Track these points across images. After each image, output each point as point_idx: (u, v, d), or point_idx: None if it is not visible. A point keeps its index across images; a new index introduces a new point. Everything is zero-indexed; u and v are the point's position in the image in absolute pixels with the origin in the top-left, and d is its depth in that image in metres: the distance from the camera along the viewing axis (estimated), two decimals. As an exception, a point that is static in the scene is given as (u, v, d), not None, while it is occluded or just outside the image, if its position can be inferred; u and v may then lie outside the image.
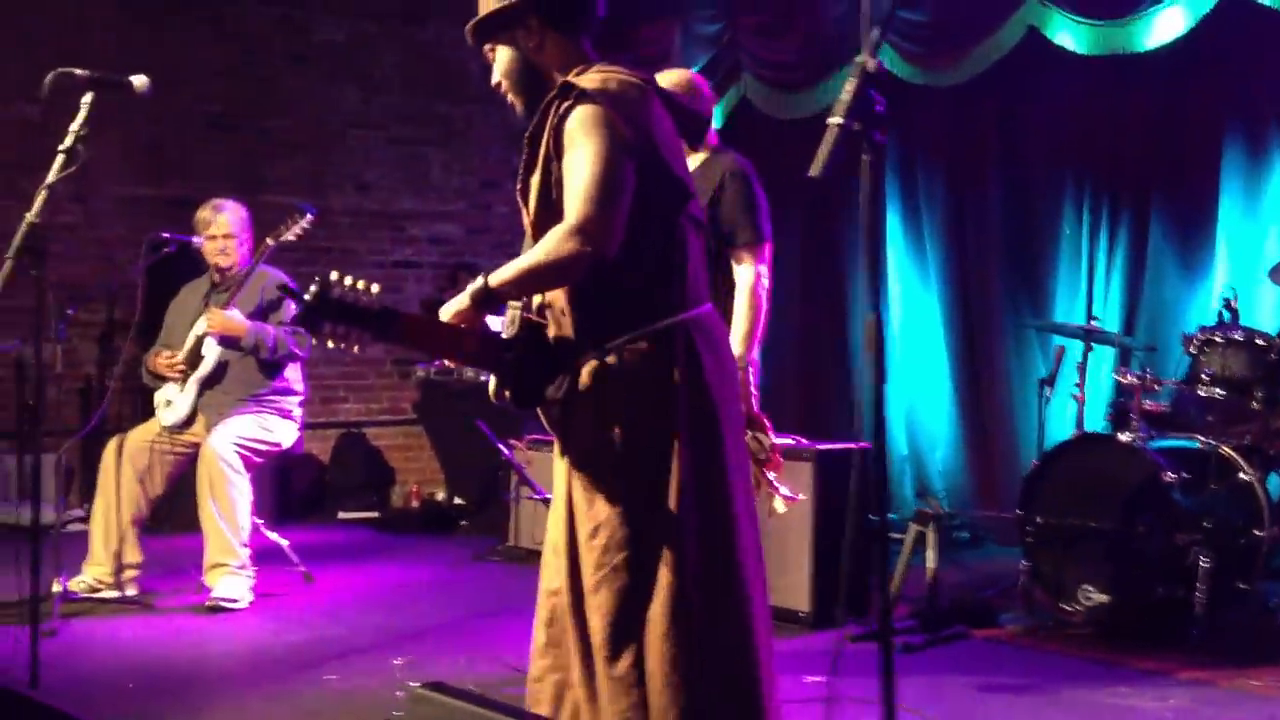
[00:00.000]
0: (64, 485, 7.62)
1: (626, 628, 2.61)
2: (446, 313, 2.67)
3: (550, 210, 2.65)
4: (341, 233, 8.58)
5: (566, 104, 2.64)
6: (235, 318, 5.17)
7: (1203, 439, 4.65)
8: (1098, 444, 4.71)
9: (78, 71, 3.47)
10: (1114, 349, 5.94)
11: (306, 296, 2.52)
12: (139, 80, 3.63)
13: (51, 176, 3.43)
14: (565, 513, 2.73)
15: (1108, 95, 6.30)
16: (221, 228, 5.36)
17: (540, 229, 2.66)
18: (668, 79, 4.13)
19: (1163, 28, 5.73)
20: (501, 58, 2.79)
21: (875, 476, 2.66)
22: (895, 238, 7.30)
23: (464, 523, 7.53)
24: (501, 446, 6.45)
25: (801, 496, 4.07)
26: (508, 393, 2.69)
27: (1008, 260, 6.78)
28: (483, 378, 6.10)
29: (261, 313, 5.32)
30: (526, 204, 2.75)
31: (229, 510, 5.12)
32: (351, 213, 8.60)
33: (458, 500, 7.88)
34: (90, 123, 3.48)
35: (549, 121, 2.67)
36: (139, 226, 7.96)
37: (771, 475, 3.87)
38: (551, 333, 2.71)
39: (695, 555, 2.63)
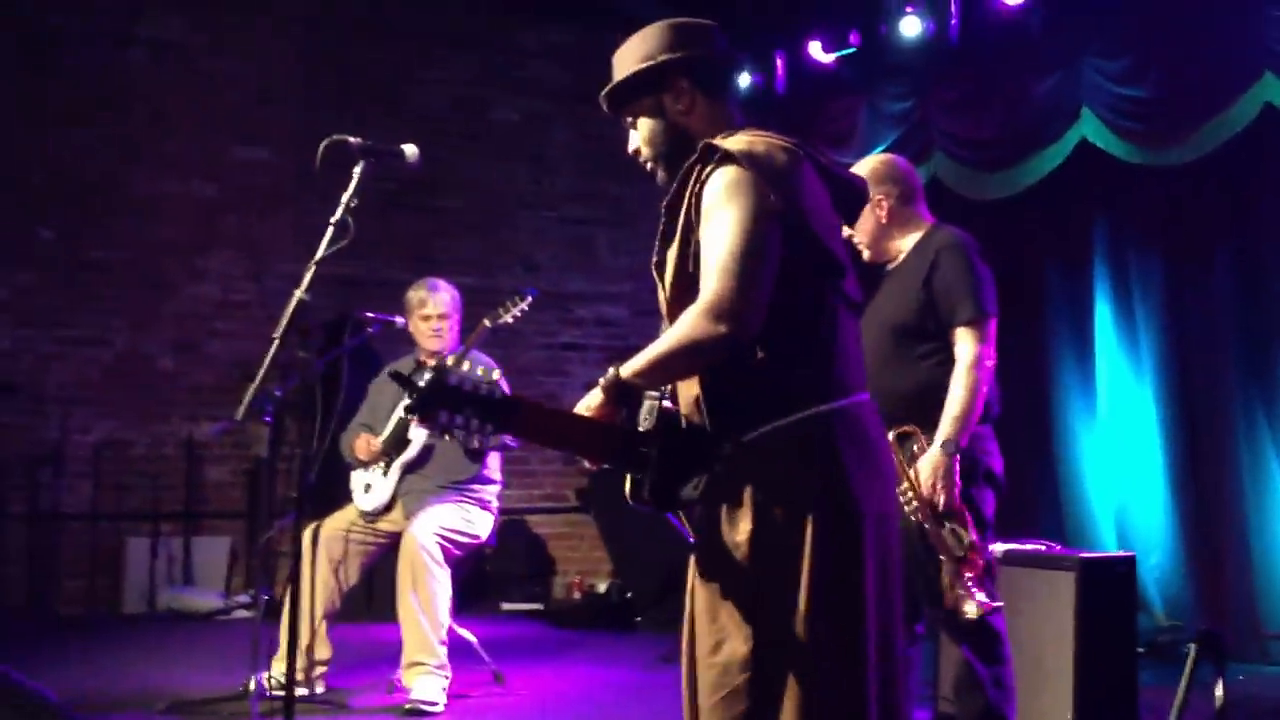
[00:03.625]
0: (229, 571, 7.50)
1: None
2: (581, 408, 2.40)
3: (688, 286, 2.39)
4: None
5: (708, 168, 2.40)
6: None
7: None
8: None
9: (351, 140, 3.25)
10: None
11: (421, 383, 2.24)
12: (410, 150, 3.41)
13: (321, 251, 3.20)
14: (688, 626, 2.45)
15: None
16: (438, 307, 5.14)
17: (678, 307, 2.39)
18: (865, 167, 3.88)
19: None
20: (645, 124, 2.57)
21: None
22: (1104, 326, 6.87)
23: (638, 619, 7.17)
24: (692, 539, 6.11)
25: (1000, 604, 3.66)
26: (647, 493, 2.39)
27: (1236, 351, 6.30)
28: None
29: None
30: (662, 280, 2.49)
31: (429, 605, 4.83)
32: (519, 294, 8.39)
33: (627, 594, 7.53)
34: (358, 195, 3.24)
35: (689, 188, 2.42)
36: (311, 305, 7.86)
37: (968, 575, 3.49)
38: (684, 424, 2.43)
39: (826, 678, 2.32)
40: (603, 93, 2.59)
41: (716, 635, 2.35)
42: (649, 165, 2.60)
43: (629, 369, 2.36)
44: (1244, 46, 5.77)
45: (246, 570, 7.52)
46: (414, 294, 5.22)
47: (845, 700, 2.33)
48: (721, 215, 2.35)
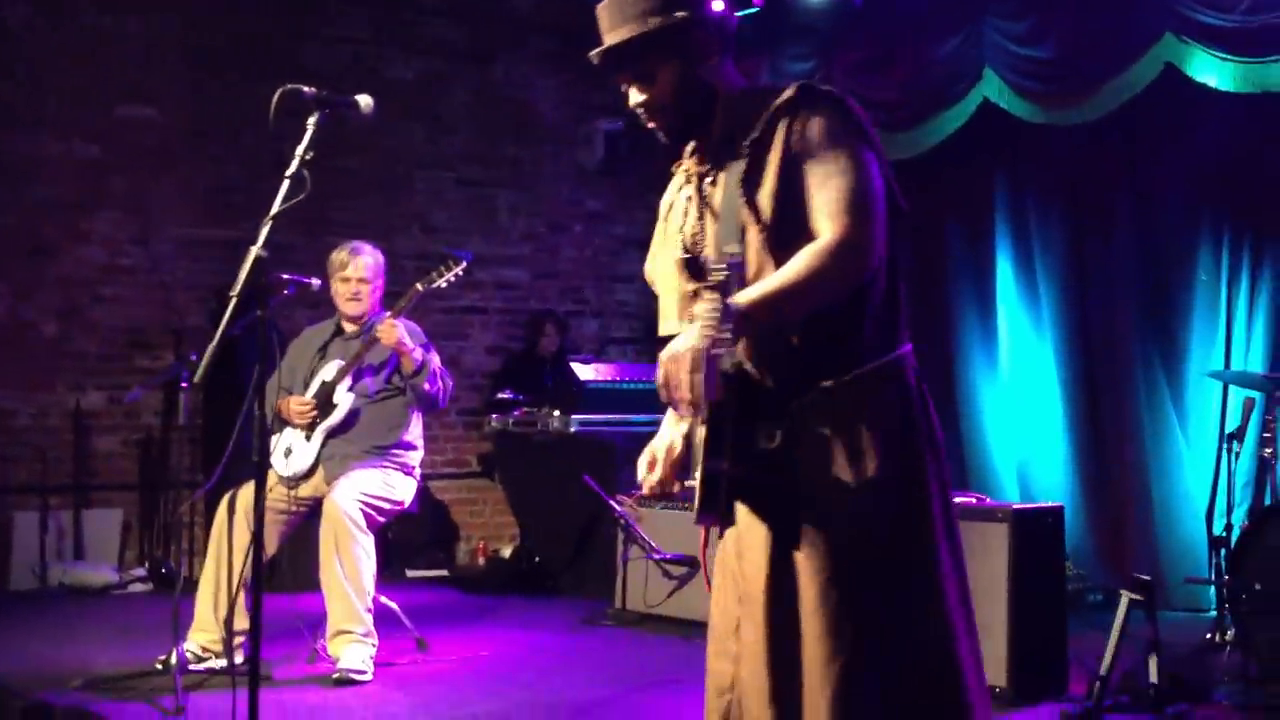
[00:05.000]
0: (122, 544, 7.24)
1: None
2: (682, 345, 2.29)
3: (792, 224, 2.36)
4: (406, 276, 8.17)
5: (813, 110, 2.39)
6: (404, 335, 4.81)
7: None
8: (1322, 503, 4.39)
9: (305, 90, 3.09)
10: (1260, 396, 5.59)
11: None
12: (364, 100, 3.28)
13: (277, 206, 3.04)
14: (764, 591, 2.35)
15: (1251, 134, 6.02)
16: (357, 271, 5.00)
17: (780, 244, 2.35)
18: None
19: (1321, 65, 5.47)
20: (665, 78, 2.50)
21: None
22: (1006, 283, 6.99)
23: (551, 583, 7.10)
24: (612, 503, 6.08)
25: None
26: (725, 460, 2.30)
27: (1136, 308, 6.47)
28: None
29: (396, 362, 4.95)
30: (755, 218, 2.39)
31: (354, 572, 4.71)
32: (417, 256, 8.22)
33: (535, 558, 7.46)
34: (314, 146, 3.09)
35: (785, 127, 2.39)
36: (201, 269, 7.61)
37: None
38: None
39: (956, 611, 2.38)
40: (621, 39, 2.48)
41: (822, 577, 2.29)
42: (657, 119, 2.53)
43: (747, 301, 2.27)
44: (1145, 7, 5.90)
45: (141, 543, 7.27)
46: (336, 255, 5.07)
47: (961, 628, 2.38)
48: (841, 155, 2.35)
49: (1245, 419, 4.99)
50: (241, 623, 4.80)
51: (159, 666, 4.62)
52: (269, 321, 3.30)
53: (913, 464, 2.39)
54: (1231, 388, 5.63)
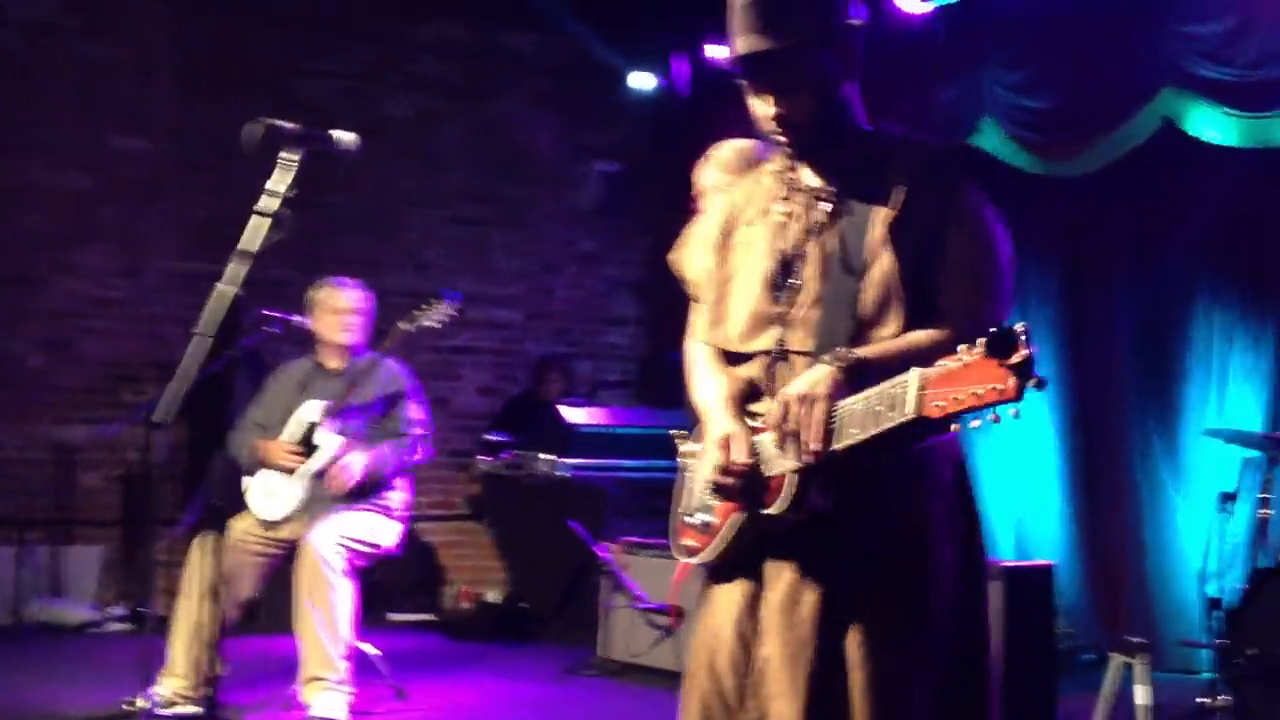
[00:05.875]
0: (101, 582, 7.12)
1: None
2: (803, 385, 2.18)
3: (920, 284, 2.26)
4: (398, 315, 8.10)
5: (966, 175, 2.35)
6: (352, 473, 4.72)
7: None
8: (1321, 568, 4.30)
9: (284, 125, 3.02)
10: (1259, 456, 5.50)
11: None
12: (348, 137, 3.20)
13: (256, 244, 2.97)
14: (810, 660, 2.23)
15: (1251, 190, 5.96)
16: (349, 301, 4.95)
17: (905, 299, 2.25)
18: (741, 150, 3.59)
19: (1323, 121, 5.41)
20: (812, 92, 2.31)
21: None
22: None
23: (535, 630, 6.98)
24: (598, 550, 6.00)
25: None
26: (810, 501, 2.21)
27: (1133, 364, 6.39)
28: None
29: (383, 406, 4.87)
30: (900, 269, 2.28)
31: (330, 618, 4.61)
32: (409, 294, 8.13)
33: (522, 604, 7.35)
34: (296, 184, 3.02)
35: (936, 181, 2.30)
36: (191, 303, 7.50)
37: None
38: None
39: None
40: (764, 48, 2.27)
41: (893, 671, 2.21)
42: (790, 135, 2.34)
43: (872, 356, 2.21)
44: (1144, 61, 5.86)
45: (121, 581, 7.15)
46: (319, 291, 5.02)
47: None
48: (992, 233, 2.33)
49: (1241, 479, 4.91)
50: (217, 668, 4.70)
51: (126, 709, 4.52)
52: (246, 359, 3.26)
53: (972, 543, 2.34)
54: (1228, 447, 5.55)
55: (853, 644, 2.22)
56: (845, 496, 2.22)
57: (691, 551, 2.42)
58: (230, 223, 7.45)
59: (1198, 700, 4.71)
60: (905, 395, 2.00)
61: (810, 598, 2.25)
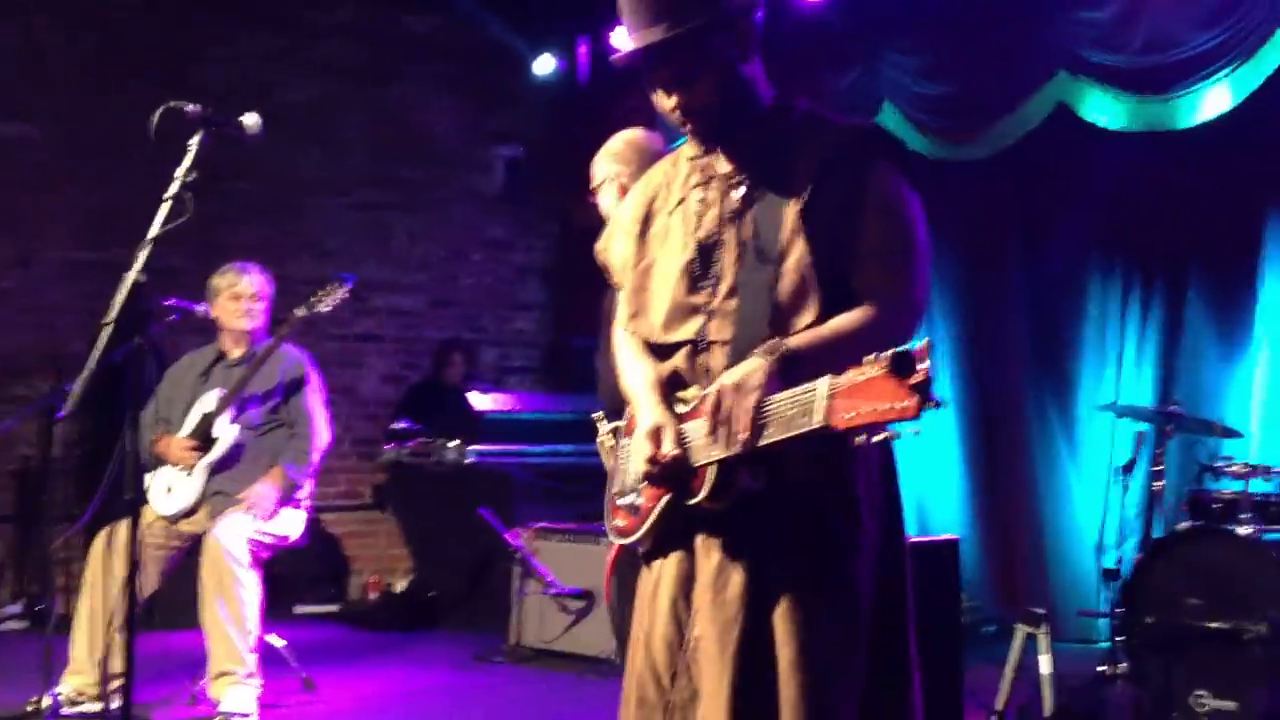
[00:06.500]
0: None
1: None
2: (749, 380, 2.19)
3: (837, 264, 2.28)
4: (298, 302, 8.03)
5: (881, 156, 2.34)
6: (267, 506, 4.67)
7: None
8: (1211, 537, 4.42)
9: (188, 107, 2.96)
10: (1150, 429, 5.65)
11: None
12: (251, 119, 3.14)
13: (156, 229, 2.91)
14: (738, 639, 2.26)
15: (1141, 172, 6.12)
16: (250, 287, 4.88)
17: (823, 281, 2.27)
18: (613, 142, 3.64)
19: (1208, 105, 5.54)
20: (710, 76, 2.32)
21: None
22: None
23: (446, 617, 6.95)
24: (508, 536, 5.98)
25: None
26: (741, 484, 2.24)
27: (1029, 342, 6.54)
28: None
29: (283, 392, 4.81)
30: (811, 250, 2.28)
31: (237, 612, 4.55)
32: (310, 281, 8.01)
33: (430, 593, 7.31)
34: (197, 167, 2.97)
35: (848, 163, 2.30)
36: (83, 294, 7.35)
37: None
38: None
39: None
40: (658, 39, 2.28)
41: (818, 649, 2.23)
42: (694, 121, 2.35)
43: (801, 345, 2.21)
44: (1039, 46, 5.98)
45: (17, 580, 6.98)
46: (221, 278, 4.93)
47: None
48: (908, 213, 2.32)
49: (1137, 451, 5.04)
50: (118, 665, 4.62)
51: (29, 710, 4.41)
52: (148, 350, 3.18)
53: (893, 523, 2.38)
54: (1121, 420, 5.70)
55: (780, 622, 2.25)
56: (773, 477, 2.25)
57: (622, 532, 2.45)
58: (123, 211, 7.31)
59: (1097, 669, 4.84)
60: (815, 404, 2.04)
61: (737, 578, 2.28)
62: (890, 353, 1.92)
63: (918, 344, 1.95)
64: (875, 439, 1.99)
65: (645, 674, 2.38)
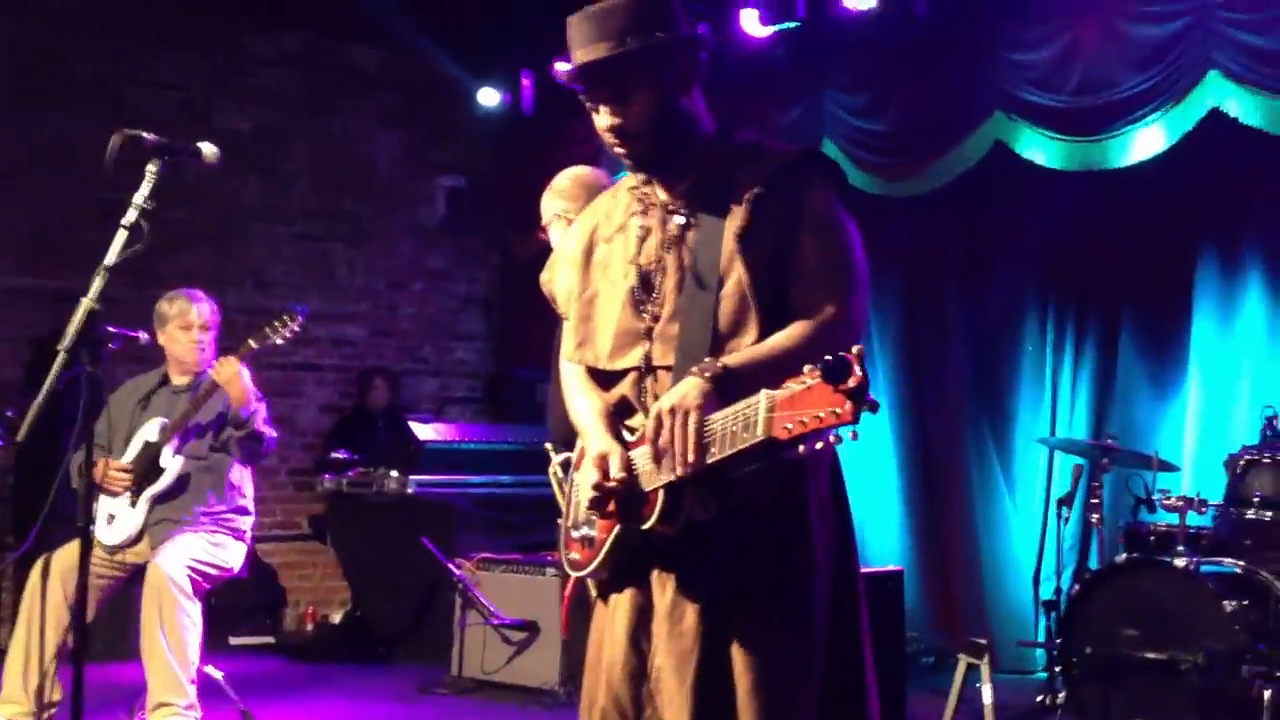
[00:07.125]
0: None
1: None
2: (688, 401, 2.19)
3: (776, 287, 2.31)
4: (238, 332, 7.90)
5: (817, 178, 2.37)
6: (246, 377, 4.60)
7: (1242, 564, 4.49)
8: (1147, 569, 4.51)
9: (146, 135, 2.93)
10: (1086, 463, 5.76)
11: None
12: (209, 149, 3.11)
13: (113, 257, 2.89)
14: (695, 669, 2.28)
15: (1077, 210, 6.26)
16: (200, 317, 4.85)
17: (762, 304, 2.30)
18: (560, 179, 3.72)
19: (1141, 146, 5.68)
20: (646, 101, 2.35)
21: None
22: (843, 351, 7.11)
23: (383, 650, 6.88)
24: (451, 566, 5.96)
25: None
26: (690, 514, 2.25)
27: (967, 376, 6.65)
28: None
29: (224, 420, 4.76)
30: (749, 273, 2.32)
31: (178, 642, 4.48)
32: (251, 310, 7.98)
33: (368, 624, 7.23)
34: (154, 195, 2.95)
35: (785, 187, 2.34)
36: (16, 320, 7.25)
37: None
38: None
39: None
40: (598, 57, 2.33)
41: (776, 672, 2.27)
42: (628, 146, 2.38)
43: (739, 364, 2.23)
44: (977, 86, 6.11)
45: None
46: (170, 305, 4.87)
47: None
48: (841, 230, 2.36)
49: (1074, 484, 5.13)
50: (55, 694, 4.54)
51: (-40, 743, 4.32)
52: (95, 377, 3.14)
53: (846, 543, 2.41)
54: (1058, 454, 5.80)
55: (736, 650, 2.27)
56: (724, 502, 2.27)
57: (577, 565, 2.45)
58: (57, 236, 7.30)
59: (1036, 699, 4.91)
60: (756, 418, 2.07)
61: (692, 608, 2.30)
62: (823, 361, 1.96)
63: (853, 349, 2.00)
64: (818, 447, 2.02)
65: (609, 708, 2.39)
